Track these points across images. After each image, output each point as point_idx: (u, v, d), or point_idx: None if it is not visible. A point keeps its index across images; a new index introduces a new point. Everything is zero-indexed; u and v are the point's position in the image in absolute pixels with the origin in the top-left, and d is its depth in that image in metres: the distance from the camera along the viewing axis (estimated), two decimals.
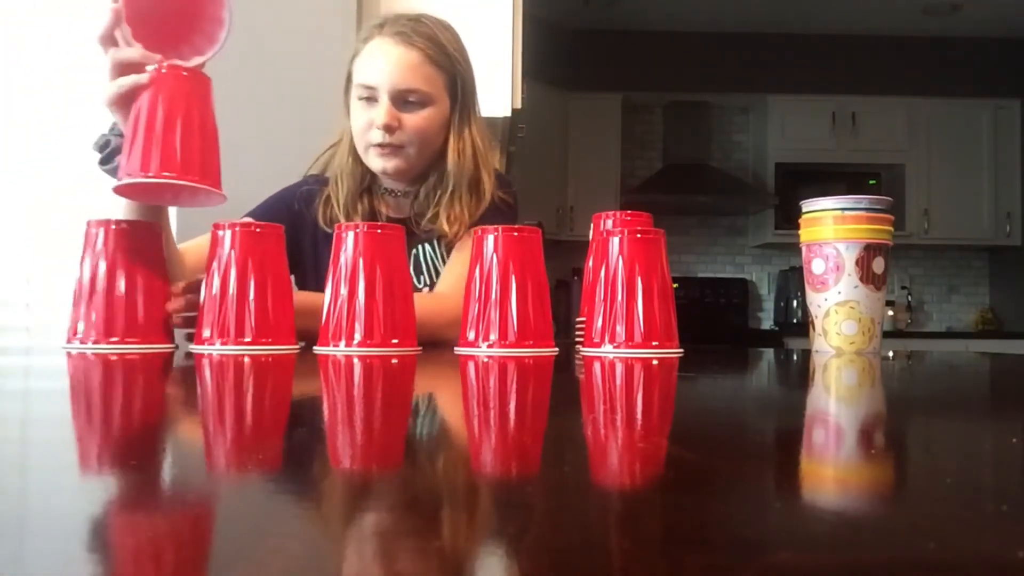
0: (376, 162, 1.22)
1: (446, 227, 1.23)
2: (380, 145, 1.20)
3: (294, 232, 1.19)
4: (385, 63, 1.18)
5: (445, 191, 1.24)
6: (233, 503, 0.22)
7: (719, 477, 0.26)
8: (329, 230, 1.14)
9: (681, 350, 0.87)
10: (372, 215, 1.28)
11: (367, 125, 1.20)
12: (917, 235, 4.55)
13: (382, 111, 1.18)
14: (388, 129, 1.18)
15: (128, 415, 0.42)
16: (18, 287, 1.62)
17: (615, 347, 0.85)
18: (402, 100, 1.19)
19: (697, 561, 0.17)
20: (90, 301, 0.88)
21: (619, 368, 0.71)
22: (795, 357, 1.15)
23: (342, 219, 1.23)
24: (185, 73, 0.87)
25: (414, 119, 1.20)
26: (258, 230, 0.87)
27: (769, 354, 1.30)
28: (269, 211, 1.26)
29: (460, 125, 1.25)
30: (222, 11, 0.91)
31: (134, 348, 0.87)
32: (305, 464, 0.29)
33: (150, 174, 0.84)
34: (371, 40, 1.20)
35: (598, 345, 0.86)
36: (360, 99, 1.20)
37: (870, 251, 1.01)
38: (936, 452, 0.33)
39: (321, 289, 0.90)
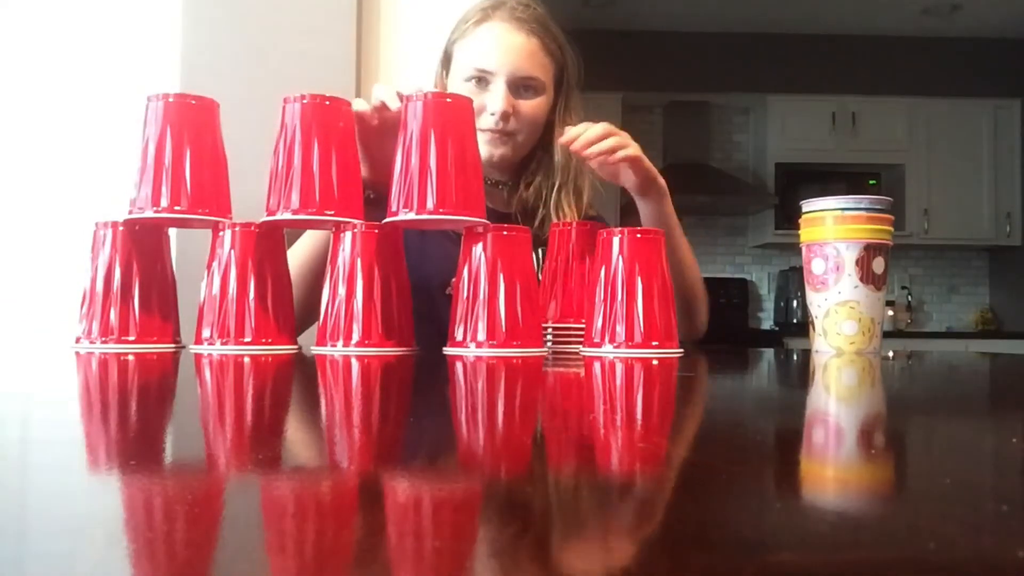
0: (483, 148, 1.17)
1: None
2: (492, 131, 1.17)
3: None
4: (506, 49, 1.15)
5: (552, 187, 1.21)
6: (233, 503, 0.22)
7: (719, 477, 0.26)
8: None
9: (681, 350, 0.87)
10: None
11: (478, 110, 1.14)
12: (917, 235, 4.55)
13: (499, 97, 1.15)
14: (504, 116, 1.16)
15: (131, 415, 0.42)
16: (18, 287, 1.62)
17: (615, 347, 0.85)
18: (517, 87, 1.17)
19: (697, 561, 0.17)
20: (99, 301, 0.88)
21: (619, 368, 0.71)
22: (795, 357, 1.15)
23: None
24: (193, 102, 0.87)
25: (527, 107, 1.18)
26: (257, 230, 0.87)
27: (769, 354, 1.30)
28: None
29: (565, 118, 1.23)
30: None
31: (143, 348, 0.87)
32: (304, 464, 0.29)
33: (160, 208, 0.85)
34: (485, 23, 1.17)
35: (598, 345, 0.86)
36: (467, 81, 1.16)
37: (870, 251, 1.01)
38: (936, 452, 0.33)
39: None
